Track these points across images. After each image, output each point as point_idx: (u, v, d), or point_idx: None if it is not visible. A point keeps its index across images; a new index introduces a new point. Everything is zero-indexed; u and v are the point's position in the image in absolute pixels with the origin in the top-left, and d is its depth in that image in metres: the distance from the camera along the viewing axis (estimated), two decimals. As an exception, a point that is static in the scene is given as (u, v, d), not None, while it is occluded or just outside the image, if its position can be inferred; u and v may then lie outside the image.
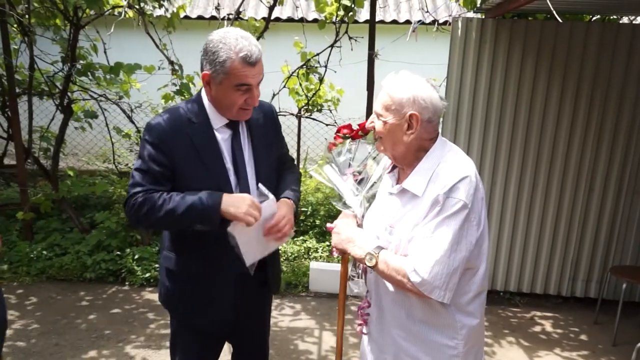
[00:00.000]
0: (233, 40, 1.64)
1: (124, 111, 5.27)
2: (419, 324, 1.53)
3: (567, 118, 3.80)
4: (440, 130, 4.00)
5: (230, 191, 1.75)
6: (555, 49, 3.69)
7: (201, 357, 1.98)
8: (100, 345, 3.35)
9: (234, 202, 1.64)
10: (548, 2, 2.08)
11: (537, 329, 3.80)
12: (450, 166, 1.46)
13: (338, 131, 1.94)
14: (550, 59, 3.71)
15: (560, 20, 2.16)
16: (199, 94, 1.84)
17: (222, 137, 1.79)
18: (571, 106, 3.77)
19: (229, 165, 1.78)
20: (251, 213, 1.64)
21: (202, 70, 1.73)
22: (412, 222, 1.46)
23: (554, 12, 2.09)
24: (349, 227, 1.64)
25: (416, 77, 1.51)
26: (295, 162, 2.19)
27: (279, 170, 2.00)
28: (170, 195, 1.69)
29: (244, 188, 1.79)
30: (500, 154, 3.92)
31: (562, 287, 4.15)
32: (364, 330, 1.72)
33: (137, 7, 4.31)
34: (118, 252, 4.50)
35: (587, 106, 3.77)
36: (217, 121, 1.78)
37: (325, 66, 4.90)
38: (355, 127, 1.92)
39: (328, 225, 1.81)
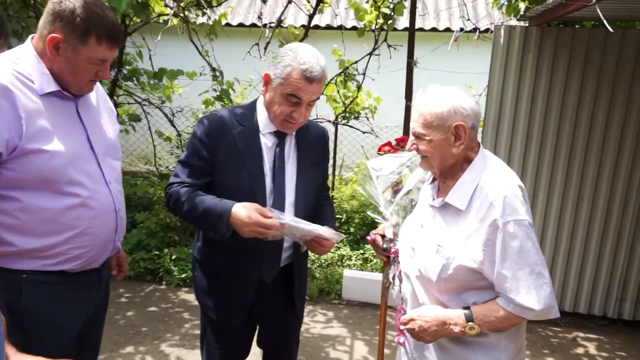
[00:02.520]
0: (301, 53, 1.69)
1: (165, 115, 5.41)
2: (460, 343, 1.49)
3: (615, 130, 3.65)
4: (480, 141, 3.93)
5: (263, 195, 1.78)
6: (603, 59, 3.56)
7: (225, 354, 2.00)
8: (137, 341, 3.43)
9: (240, 218, 1.64)
10: (597, 9, 2.01)
11: (580, 350, 3.65)
12: (494, 180, 1.43)
13: (379, 150, 1.95)
14: (598, 69, 3.58)
15: (610, 29, 2.07)
16: (256, 99, 1.90)
17: (267, 143, 1.83)
18: (620, 118, 3.62)
19: (267, 171, 1.81)
20: (255, 233, 1.64)
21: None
22: (460, 241, 1.43)
23: (604, 20, 2.01)
24: (428, 312, 1.49)
25: (447, 87, 1.48)
26: (331, 169, 2.20)
27: (317, 195, 2.00)
28: (195, 194, 1.75)
29: (278, 196, 1.81)
30: (543, 166, 3.80)
31: (608, 308, 3.95)
32: (400, 340, 1.70)
33: (181, 15, 4.43)
34: (156, 252, 4.60)
35: (638, 118, 3.61)
36: (266, 127, 1.82)
37: (364, 74, 4.90)
38: (394, 143, 1.92)
39: (368, 238, 1.82)
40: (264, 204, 1.77)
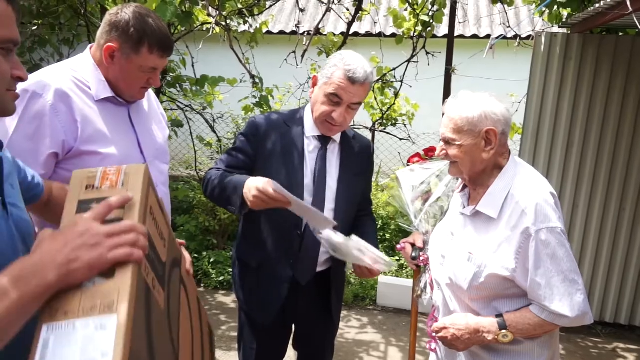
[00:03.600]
0: (348, 57, 1.76)
1: (207, 121, 5.55)
2: (492, 351, 1.50)
3: (660, 139, 3.55)
4: (518, 149, 3.87)
5: (300, 197, 1.79)
6: (648, 66, 3.47)
7: (260, 354, 2.04)
8: (176, 341, 3.54)
9: (249, 185, 1.64)
10: (634, 18, 1.98)
11: (620, 362, 3.56)
12: (526, 187, 1.43)
13: (409, 161, 1.98)
14: (642, 77, 3.49)
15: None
16: (306, 105, 1.96)
17: (310, 146, 1.87)
18: (666, 127, 3.52)
19: (307, 172, 1.84)
20: (258, 201, 1.59)
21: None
22: (492, 249, 1.44)
23: (641, 28, 1.98)
24: (460, 321, 1.50)
25: (477, 93, 1.50)
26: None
27: (359, 207, 2.03)
28: (223, 174, 1.81)
29: (318, 198, 1.84)
30: (584, 175, 3.71)
31: (649, 320, 3.84)
32: (432, 347, 1.72)
33: (223, 23, 4.57)
34: (195, 255, 4.72)
35: (685, 127, 3.50)
36: (310, 130, 1.88)
37: (401, 81, 4.90)
38: (422, 154, 1.95)
39: (398, 247, 1.85)
40: None
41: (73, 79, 1.60)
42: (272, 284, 1.92)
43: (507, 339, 1.42)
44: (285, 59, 4.50)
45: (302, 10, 4.48)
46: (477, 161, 1.48)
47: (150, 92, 1.93)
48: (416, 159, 1.95)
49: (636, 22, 1.98)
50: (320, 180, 1.85)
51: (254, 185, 1.61)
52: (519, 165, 1.51)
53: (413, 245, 1.85)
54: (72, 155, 1.55)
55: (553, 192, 1.45)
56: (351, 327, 3.88)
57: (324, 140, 1.89)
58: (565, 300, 1.37)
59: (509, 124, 1.48)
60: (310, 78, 5.02)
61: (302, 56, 4.37)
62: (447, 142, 1.51)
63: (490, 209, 1.46)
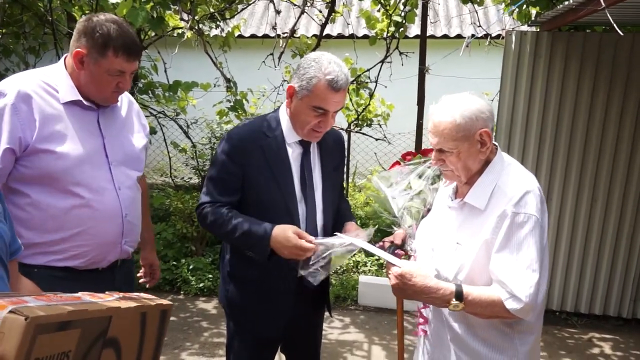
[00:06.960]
0: (325, 62, 1.69)
1: (180, 127, 5.49)
2: (478, 341, 1.51)
3: (628, 133, 3.66)
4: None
5: (295, 207, 1.79)
6: (615, 63, 3.57)
7: None
8: (157, 351, 3.48)
9: (279, 241, 1.67)
10: (607, 14, 2.03)
11: (596, 351, 3.64)
12: (513, 180, 1.45)
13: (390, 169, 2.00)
14: (609, 73, 3.59)
15: (621, 33, 2.07)
16: (278, 108, 1.90)
17: (293, 153, 1.83)
18: (633, 120, 3.63)
19: (296, 181, 1.82)
20: (295, 255, 1.66)
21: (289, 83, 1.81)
22: (478, 238, 1.44)
23: (614, 24, 2.03)
24: (418, 280, 1.44)
25: (460, 95, 1.49)
26: (345, 176, 2.23)
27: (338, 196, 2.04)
28: (232, 215, 1.76)
29: (309, 206, 1.83)
30: (556, 169, 3.81)
31: (622, 309, 3.95)
32: (424, 328, 1.70)
33: (195, 28, 4.52)
34: (174, 262, 4.66)
35: (650, 120, 3.62)
36: (291, 136, 1.82)
37: (376, 81, 4.94)
38: (401, 160, 1.97)
39: (377, 245, 1.84)
40: (296, 216, 1.79)
41: (41, 82, 1.67)
42: (278, 298, 1.87)
43: (457, 309, 1.40)
44: (264, 61, 4.48)
45: (278, 12, 4.47)
46: (476, 163, 1.48)
47: (134, 102, 1.97)
48: (396, 166, 1.97)
49: (609, 17, 2.03)
50: (309, 186, 1.84)
51: (287, 243, 1.64)
52: (505, 161, 1.52)
53: (392, 242, 1.84)
54: (28, 152, 1.61)
55: (540, 187, 1.46)
56: (334, 328, 3.88)
57: (305, 144, 1.85)
58: (523, 286, 1.36)
59: (494, 117, 1.49)
60: (285, 80, 5.02)
61: (279, 58, 4.36)
62: (443, 151, 1.48)
63: (478, 201, 1.46)
